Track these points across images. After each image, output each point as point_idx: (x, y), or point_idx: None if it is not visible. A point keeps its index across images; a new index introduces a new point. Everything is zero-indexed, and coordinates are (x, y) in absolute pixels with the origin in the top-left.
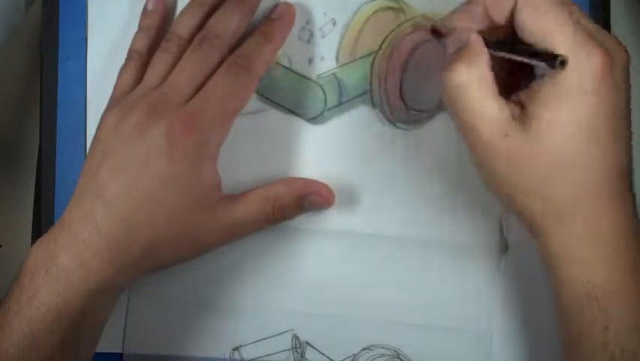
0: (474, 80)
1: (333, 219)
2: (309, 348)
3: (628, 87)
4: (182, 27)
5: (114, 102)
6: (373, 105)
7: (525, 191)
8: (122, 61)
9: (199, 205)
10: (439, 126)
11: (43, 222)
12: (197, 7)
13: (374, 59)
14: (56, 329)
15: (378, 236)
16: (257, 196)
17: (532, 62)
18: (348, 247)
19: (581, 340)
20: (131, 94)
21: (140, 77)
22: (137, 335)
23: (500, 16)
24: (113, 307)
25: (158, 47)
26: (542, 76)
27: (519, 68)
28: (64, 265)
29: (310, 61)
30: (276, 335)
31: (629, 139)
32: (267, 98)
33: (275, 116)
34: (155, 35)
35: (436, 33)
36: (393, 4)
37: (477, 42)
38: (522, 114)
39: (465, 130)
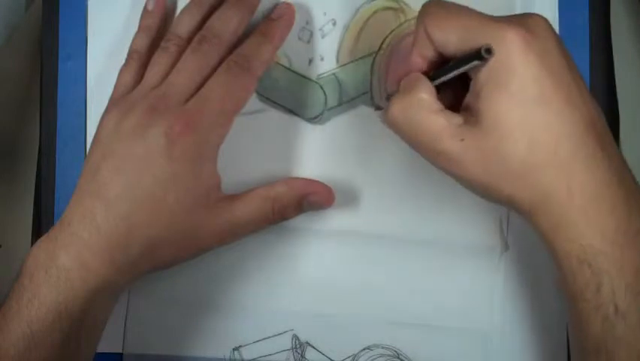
0: (414, 104)
1: (333, 219)
2: (309, 348)
3: (562, 51)
4: (182, 27)
5: (114, 102)
6: (373, 105)
7: (503, 184)
8: (122, 61)
9: (199, 205)
10: None
11: (43, 222)
12: (197, 7)
13: (374, 59)
14: (56, 329)
15: (378, 236)
16: (257, 196)
17: (466, 68)
18: (348, 247)
19: (576, 304)
20: (130, 94)
21: (139, 77)
22: (137, 335)
23: (430, 51)
24: (113, 307)
25: (158, 47)
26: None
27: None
28: (64, 265)
29: (310, 61)
30: (276, 335)
31: (590, 97)
32: (267, 98)
33: (275, 116)
34: (155, 35)
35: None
36: (394, 5)
37: (413, 74)
38: (472, 116)
39: (426, 152)
